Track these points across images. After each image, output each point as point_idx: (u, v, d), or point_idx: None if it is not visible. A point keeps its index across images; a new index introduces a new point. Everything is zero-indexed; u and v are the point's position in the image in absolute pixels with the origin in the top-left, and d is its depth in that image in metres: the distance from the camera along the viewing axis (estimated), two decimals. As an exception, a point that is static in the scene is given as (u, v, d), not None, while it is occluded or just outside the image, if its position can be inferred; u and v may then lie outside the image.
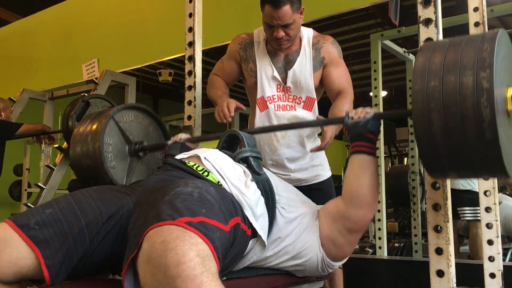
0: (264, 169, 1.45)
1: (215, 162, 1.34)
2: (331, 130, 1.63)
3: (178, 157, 1.42)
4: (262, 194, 1.33)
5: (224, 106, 1.75)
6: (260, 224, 1.27)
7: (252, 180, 1.35)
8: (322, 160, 1.98)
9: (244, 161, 1.42)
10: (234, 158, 1.41)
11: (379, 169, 3.81)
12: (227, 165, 1.35)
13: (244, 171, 1.37)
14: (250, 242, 1.27)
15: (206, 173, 1.30)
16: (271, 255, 1.34)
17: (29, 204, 2.89)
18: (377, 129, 1.39)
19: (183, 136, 1.76)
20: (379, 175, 3.74)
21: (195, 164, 1.33)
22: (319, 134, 1.98)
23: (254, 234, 1.27)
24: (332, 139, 1.63)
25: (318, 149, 1.66)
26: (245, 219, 1.22)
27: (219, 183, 1.27)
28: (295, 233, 1.36)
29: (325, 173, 1.99)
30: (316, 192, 1.88)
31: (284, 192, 1.43)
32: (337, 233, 1.38)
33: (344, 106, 1.76)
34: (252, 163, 1.41)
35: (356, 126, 1.37)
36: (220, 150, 1.46)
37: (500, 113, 1.03)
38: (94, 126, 1.73)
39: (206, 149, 1.46)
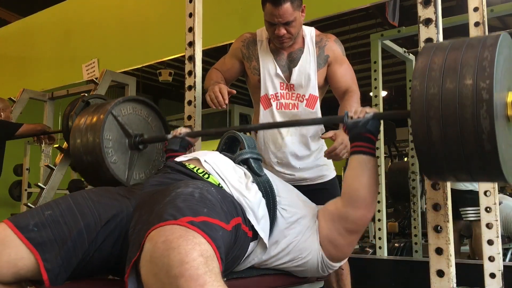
0: (265, 170, 1.44)
1: (215, 164, 1.33)
2: (341, 136, 1.61)
3: (178, 159, 1.41)
4: (263, 196, 1.32)
5: (216, 90, 1.73)
6: (262, 226, 1.26)
7: (253, 182, 1.34)
8: (327, 160, 1.98)
9: (245, 162, 1.42)
10: (234, 160, 1.41)
11: (379, 169, 3.82)
12: (227, 168, 1.34)
13: (244, 173, 1.36)
14: (251, 244, 1.27)
15: (206, 176, 1.29)
16: (272, 256, 1.34)
17: (29, 204, 2.89)
18: (377, 129, 1.38)
19: (183, 130, 1.75)
20: (379, 175, 3.77)
21: (195, 167, 1.32)
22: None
23: (255, 236, 1.26)
24: (343, 144, 1.60)
25: (328, 153, 1.64)
26: (246, 221, 1.22)
27: (220, 186, 1.27)
28: (296, 234, 1.36)
29: (330, 173, 1.98)
30: (321, 192, 1.87)
31: (284, 193, 1.43)
32: (337, 234, 1.38)
33: (352, 107, 1.76)
34: (253, 164, 1.41)
35: (355, 126, 1.36)
36: (220, 152, 1.45)
37: (500, 119, 1.02)
38: (93, 122, 1.72)
39: (206, 151, 1.46)
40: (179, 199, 1.02)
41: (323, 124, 1.86)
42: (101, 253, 1.12)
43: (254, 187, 1.33)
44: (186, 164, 1.34)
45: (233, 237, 1.10)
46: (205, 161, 1.34)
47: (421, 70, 1.08)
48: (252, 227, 1.24)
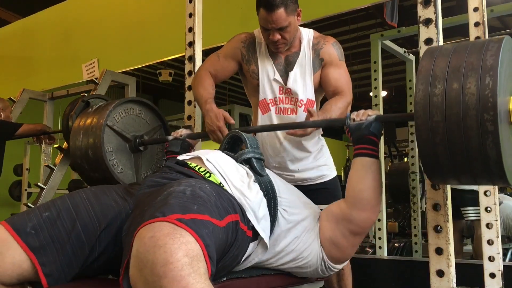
0: (267, 170, 1.44)
1: (217, 163, 1.32)
2: (317, 116, 1.57)
3: (180, 157, 1.40)
4: (264, 196, 1.32)
5: (215, 128, 1.67)
6: (262, 226, 1.26)
7: (254, 182, 1.34)
8: (327, 159, 1.97)
9: (247, 162, 1.41)
10: (236, 159, 1.40)
11: (379, 169, 3.82)
12: (229, 167, 1.33)
13: (247, 173, 1.36)
14: (251, 244, 1.26)
15: (208, 175, 1.28)
16: (272, 256, 1.34)
17: (29, 204, 2.89)
18: (379, 132, 1.39)
19: (183, 132, 1.75)
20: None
21: (197, 165, 1.32)
22: (323, 135, 1.98)
23: (255, 236, 1.26)
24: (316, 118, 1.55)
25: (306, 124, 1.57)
26: (246, 220, 1.21)
27: (221, 185, 1.26)
28: (296, 235, 1.36)
29: (331, 172, 1.98)
30: (322, 192, 1.87)
31: (286, 194, 1.42)
32: (341, 236, 1.38)
33: (337, 105, 1.71)
34: (255, 164, 1.40)
35: (358, 128, 1.38)
36: (222, 152, 1.44)
37: (503, 124, 1.03)
38: (91, 140, 1.74)
39: (208, 150, 1.45)
40: (170, 196, 1.02)
41: (325, 126, 1.80)
42: (107, 256, 1.13)
43: (256, 186, 1.32)
44: (188, 162, 1.33)
45: (228, 234, 1.09)
46: (207, 159, 1.33)
47: (425, 73, 1.09)
48: (252, 227, 1.23)
